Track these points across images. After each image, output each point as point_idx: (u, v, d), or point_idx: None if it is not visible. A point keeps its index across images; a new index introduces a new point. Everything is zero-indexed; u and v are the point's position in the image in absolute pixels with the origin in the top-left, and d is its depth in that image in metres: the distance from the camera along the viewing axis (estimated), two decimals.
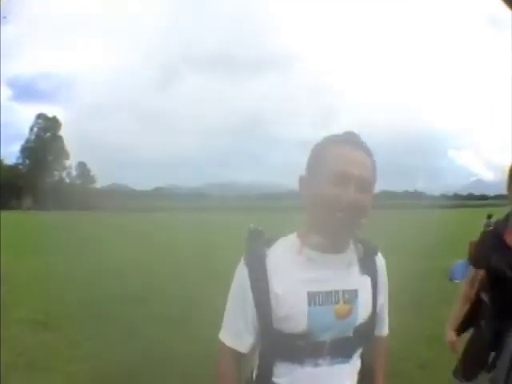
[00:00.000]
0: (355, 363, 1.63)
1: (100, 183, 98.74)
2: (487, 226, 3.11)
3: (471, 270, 3.20)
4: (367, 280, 1.65)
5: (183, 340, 6.18)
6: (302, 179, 1.64)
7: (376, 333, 1.73)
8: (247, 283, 1.57)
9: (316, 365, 1.55)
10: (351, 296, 1.58)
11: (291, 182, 1.72)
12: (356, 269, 1.63)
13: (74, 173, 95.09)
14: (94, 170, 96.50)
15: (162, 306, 8.18)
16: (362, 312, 1.60)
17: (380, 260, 1.73)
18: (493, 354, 2.91)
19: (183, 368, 5.14)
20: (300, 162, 1.68)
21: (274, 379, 1.57)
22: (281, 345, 1.56)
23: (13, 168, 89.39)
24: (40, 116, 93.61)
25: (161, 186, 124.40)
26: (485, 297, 3.06)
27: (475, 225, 7.94)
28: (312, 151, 1.63)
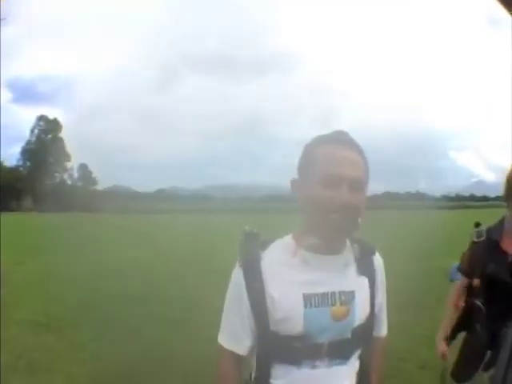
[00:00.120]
0: (353, 364, 1.63)
1: (102, 185, 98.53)
2: (478, 236, 3.09)
3: (461, 280, 3.21)
4: (365, 280, 1.65)
5: (184, 340, 6.17)
6: (293, 181, 1.64)
7: (374, 333, 1.73)
8: (243, 286, 1.57)
9: (314, 366, 1.55)
10: (348, 297, 1.58)
11: None
12: (353, 269, 1.63)
13: (75, 175, 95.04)
14: (96, 172, 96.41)
15: (163, 307, 8.18)
16: (360, 313, 1.60)
17: (378, 260, 1.73)
18: (488, 353, 2.93)
19: (184, 368, 5.13)
20: None
21: (272, 381, 1.58)
22: (278, 347, 1.56)
23: (13, 170, 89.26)
24: (41, 118, 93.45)
25: (163, 187, 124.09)
26: (478, 302, 3.06)
27: None
28: (302, 152, 1.63)
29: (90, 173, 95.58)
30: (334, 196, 1.48)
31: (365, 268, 1.66)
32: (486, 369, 2.93)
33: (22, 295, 9.50)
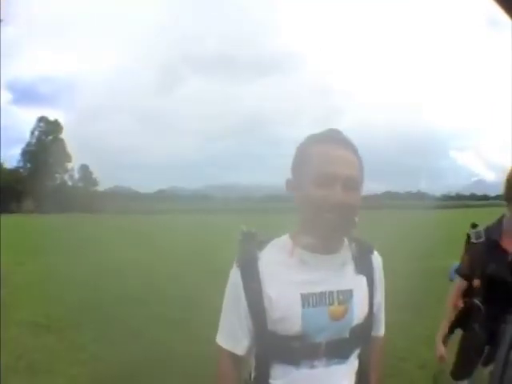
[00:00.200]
0: (352, 364, 1.63)
1: (102, 186, 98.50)
2: (477, 237, 3.10)
3: (459, 282, 3.22)
4: (363, 279, 1.64)
5: (184, 341, 6.17)
6: (288, 181, 1.65)
7: (373, 333, 1.72)
8: (240, 286, 1.58)
9: (312, 366, 1.55)
10: (346, 296, 1.58)
11: None
12: (351, 268, 1.63)
13: (76, 176, 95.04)
14: (97, 173, 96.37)
15: (163, 308, 8.18)
16: (358, 312, 1.60)
17: (376, 259, 1.72)
18: (487, 348, 2.95)
19: (185, 369, 5.12)
20: None
21: (271, 381, 1.58)
22: (276, 347, 1.57)
23: (13, 171, 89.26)
24: (41, 119, 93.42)
25: (163, 188, 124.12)
26: (478, 302, 3.07)
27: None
28: (296, 152, 1.63)
29: (91, 174, 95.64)
30: (328, 195, 1.48)
31: (363, 267, 1.65)
32: (486, 364, 2.95)
33: (23, 296, 9.51)
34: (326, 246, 1.58)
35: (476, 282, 3.05)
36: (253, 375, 1.64)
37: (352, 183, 1.52)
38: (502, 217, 3.06)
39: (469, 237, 3.19)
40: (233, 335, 1.63)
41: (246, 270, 1.58)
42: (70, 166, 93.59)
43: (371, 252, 1.71)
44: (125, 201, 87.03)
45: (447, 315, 3.25)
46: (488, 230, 3.07)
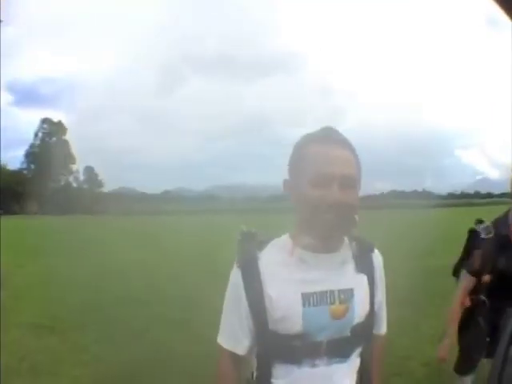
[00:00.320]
0: (354, 362, 1.63)
1: (108, 187, 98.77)
2: (487, 232, 3.08)
3: (467, 280, 3.20)
4: (363, 278, 1.64)
5: (187, 342, 6.15)
6: (285, 181, 1.65)
7: (374, 331, 1.72)
8: (241, 286, 1.58)
9: (313, 365, 1.55)
10: (347, 295, 1.58)
11: None
12: (351, 267, 1.63)
13: (81, 177, 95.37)
14: (102, 174, 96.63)
15: (167, 309, 8.17)
16: (359, 311, 1.60)
17: (377, 257, 1.72)
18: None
19: (188, 369, 5.11)
20: None
21: (273, 380, 1.58)
22: (278, 346, 1.56)
23: (16, 173, 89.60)
24: (45, 121, 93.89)
25: (169, 189, 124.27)
26: (483, 297, 3.07)
27: None
28: (292, 151, 1.63)
29: (96, 175, 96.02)
30: (325, 195, 1.48)
31: (363, 266, 1.65)
32: (489, 355, 2.95)
33: (26, 298, 9.54)
34: (325, 245, 1.57)
35: (486, 278, 3.04)
36: (255, 375, 1.64)
37: (349, 182, 1.51)
38: (509, 211, 3.05)
39: (473, 233, 3.19)
40: (233, 335, 1.62)
41: (247, 270, 1.58)
42: (74, 167, 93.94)
43: (372, 251, 1.71)
44: (130, 202, 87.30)
45: (454, 315, 3.22)
46: (496, 224, 3.07)
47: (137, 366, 5.40)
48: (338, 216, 1.48)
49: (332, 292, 1.56)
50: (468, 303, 3.19)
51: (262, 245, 1.62)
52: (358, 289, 1.61)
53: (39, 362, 5.70)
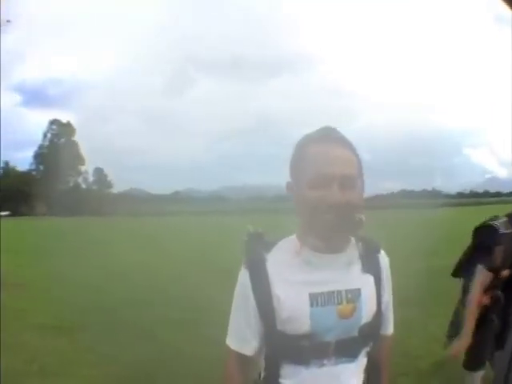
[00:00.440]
0: (361, 362, 1.63)
1: (117, 188, 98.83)
2: (506, 227, 3.08)
3: (484, 276, 3.18)
4: (370, 278, 1.64)
5: (194, 343, 6.18)
6: (288, 184, 1.65)
7: (381, 332, 1.71)
8: (249, 287, 1.58)
9: (321, 365, 1.55)
10: (354, 295, 1.58)
11: None
12: (358, 267, 1.63)
13: (90, 178, 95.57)
14: (111, 175, 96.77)
15: (173, 310, 8.20)
16: (367, 311, 1.60)
17: (383, 258, 1.72)
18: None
19: (194, 370, 5.13)
20: None
21: (281, 381, 1.58)
22: (286, 346, 1.56)
23: (25, 174, 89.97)
24: (54, 122, 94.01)
25: (178, 189, 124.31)
26: (499, 293, 3.07)
27: None
28: (293, 152, 1.63)
29: (105, 176, 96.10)
30: (326, 195, 1.48)
31: (370, 266, 1.65)
32: (498, 347, 2.96)
33: (34, 299, 9.62)
34: (330, 245, 1.57)
35: (505, 273, 3.05)
36: (262, 375, 1.64)
37: (349, 182, 1.51)
38: None
39: (488, 229, 3.17)
40: (241, 336, 1.62)
41: (254, 270, 1.58)
42: (83, 168, 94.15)
43: (378, 251, 1.71)
44: (139, 203, 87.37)
45: (472, 313, 3.20)
46: (510, 219, 3.08)
47: (144, 367, 5.44)
48: (339, 216, 1.48)
49: (339, 292, 1.56)
50: (486, 301, 3.18)
51: (269, 245, 1.63)
52: (365, 289, 1.60)
53: (47, 363, 5.74)
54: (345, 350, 1.57)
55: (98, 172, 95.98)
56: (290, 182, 1.63)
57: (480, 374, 3.40)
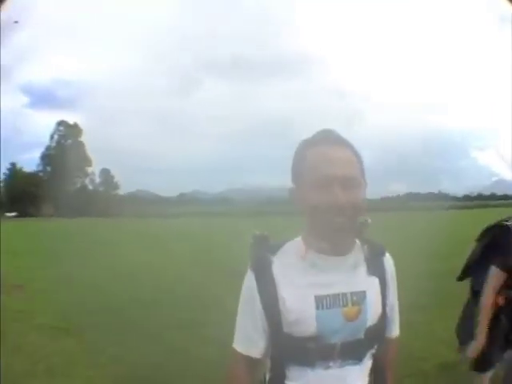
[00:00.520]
0: (366, 364, 1.63)
1: (124, 190, 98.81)
2: None
3: (498, 277, 3.18)
4: (375, 281, 1.64)
5: (201, 344, 6.18)
6: (290, 190, 1.65)
7: (386, 334, 1.72)
8: (255, 289, 1.58)
9: (327, 367, 1.55)
10: (360, 298, 1.58)
11: None
12: (363, 270, 1.63)
13: (97, 180, 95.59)
14: (118, 177, 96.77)
15: (180, 311, 8.20)
16: (372, 313, 1.60)
17: (388, 260, 1.72)
18: None
19: (201, 372, 5.12)
20: None
21: (287, 382, 1.58)
22: (292, 348, 1.57)
23: (32, 175, 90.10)
24: (61, 123, 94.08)
25: (185, 191, 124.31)
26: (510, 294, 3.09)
27: None
28: (293, 157, 1.64)
29: (112, 177, 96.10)
30: (328, 196, 1.48)
31: (375, 268, 1.65)
32: (509, 347, 2.98)
33: (41, 300, 9.64)
34: (335, 247, 1.57)
35: None
36: (268, 376, 1.65)
37: (351, 182, 1.51)
38: None
39: (501, 229, 3.18)
40: (248, 339, 1.62)
41: (260, 273, 1.58)
42: (90, 169, 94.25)
43: (383, 254, 1.71)
44: (146, 204, 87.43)
45: (486, 315, 3.19)
46: None
47: (150, 367, 5.43)
48: (343, 217, 1.48)
49: (344, 294, 1.56)
50: (501, 301, 3.18)
51: (275, 248, 1.63)
52: (370, 291, 1.61)
53: (55, 363, 5.75)
54: (350, 353, 1.57)
55: (105, 173, 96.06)
56: (293, 188, 1.64)
57: (488, 374, 3.40)
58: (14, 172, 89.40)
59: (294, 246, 1.62)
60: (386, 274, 1.68)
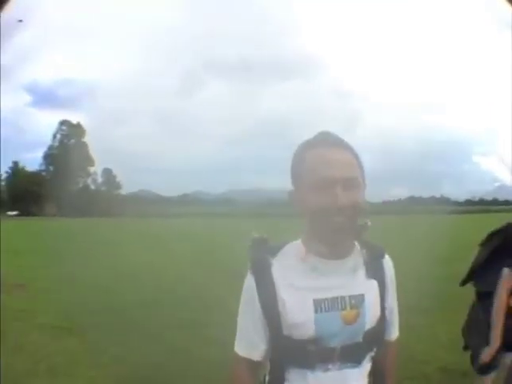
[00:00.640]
0: (365, 367, 1.63)
1: (126, 189, 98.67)
2: None
3: (508, 281, 3.18)
4: (374, 284, 1.64)
5: (202, 343, 6.20)
6: (290, 193, 1.65)
7: (385, 337, 1.72)
8: (254, 291, 1.58)
9: (326, 370, 1.55)
10: (358, 301, 1.58)
11: None
12: (362, 273, 1.62)
13: (99, 179, 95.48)
14: (120, 177, 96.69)
15: (182, 311, 8.22)
16: (371, 316, 1.60)
17: (387, 262, 1.72)
18: None
19: (203, 372, 5.13)
20: None
21: None
22: (291, 350, 1.57)
23: (34, 174, 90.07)
24: (63, 123, 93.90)
25: (187, 192, 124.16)
26: None
27: None
28: (292, 160, 1.64)
29: (114, 177, 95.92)
30: (328, 198, 1.48)
31: (374, 271, 1.65)
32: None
33: (44, 299, 9.65)
34: (335, 250, 1.57)
35: None
36: (267, 379, 1.65)
37: (351, 183, 1.51)
38: None
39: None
40: (249, 341, 1.63)
41: (260, 275, 1.58)
42: (92, 169, 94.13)
43: (382, 256, 1.71)
44: (148, 204, 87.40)
45: (500, 317, 3.19)
46: None
47: (153, 368, 5.44)
48: (342, 217, 1.48)
49: (343, 298, 1.56)
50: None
51: (274, 250, 1.63)
52: (369, 294, 1.61)
53: (56, 363, 5.75)
54: (349, 356, 1.57)
55: (107, 173, 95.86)
56: (292, 191, 1.64)
57: (490, 377, 3.40)
58: (17, 171, 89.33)
59: (294, 249, 1.62)
60: (385, 277, 1.68)
